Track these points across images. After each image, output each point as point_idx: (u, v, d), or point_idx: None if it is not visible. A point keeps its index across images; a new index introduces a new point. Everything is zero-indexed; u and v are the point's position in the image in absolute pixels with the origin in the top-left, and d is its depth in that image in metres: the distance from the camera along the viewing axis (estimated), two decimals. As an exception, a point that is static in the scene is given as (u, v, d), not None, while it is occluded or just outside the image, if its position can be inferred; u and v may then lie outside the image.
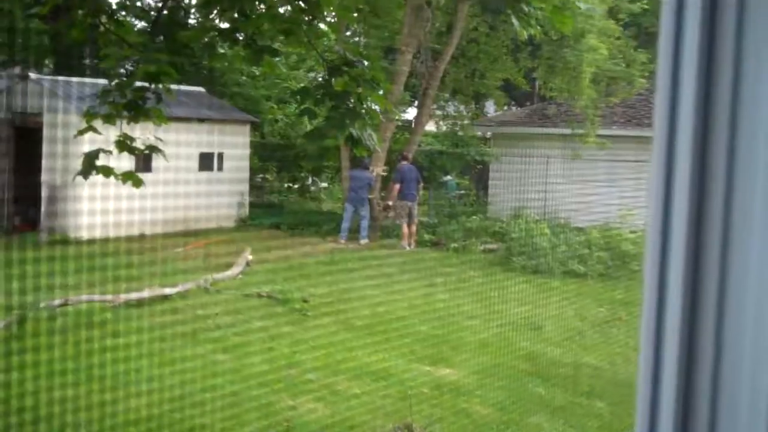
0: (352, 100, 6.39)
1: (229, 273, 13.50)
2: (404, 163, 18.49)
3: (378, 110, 7.03)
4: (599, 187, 19.11)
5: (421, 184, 19.34)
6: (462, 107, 25.12)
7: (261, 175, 24.73)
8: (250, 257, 14.45)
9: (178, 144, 16.83)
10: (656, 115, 0.76)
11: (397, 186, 18.18)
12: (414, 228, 17.98)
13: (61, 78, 18.29)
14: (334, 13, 8.33)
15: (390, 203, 18.63)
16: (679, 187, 0.74)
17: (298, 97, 7.33)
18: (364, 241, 17.89)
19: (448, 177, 24.61)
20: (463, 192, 24.90)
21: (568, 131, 20.39)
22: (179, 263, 13.98)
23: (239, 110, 21.50)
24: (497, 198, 21.73)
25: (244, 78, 24.32)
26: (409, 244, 17.64)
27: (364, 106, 6.49)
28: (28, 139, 16.42)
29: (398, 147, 21.25)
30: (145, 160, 14.86)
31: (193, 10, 7.77)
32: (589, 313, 13.02)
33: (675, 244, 0.75)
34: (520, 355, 10.68)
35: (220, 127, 19.73)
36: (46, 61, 26.09)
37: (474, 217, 19.23)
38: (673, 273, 0.76)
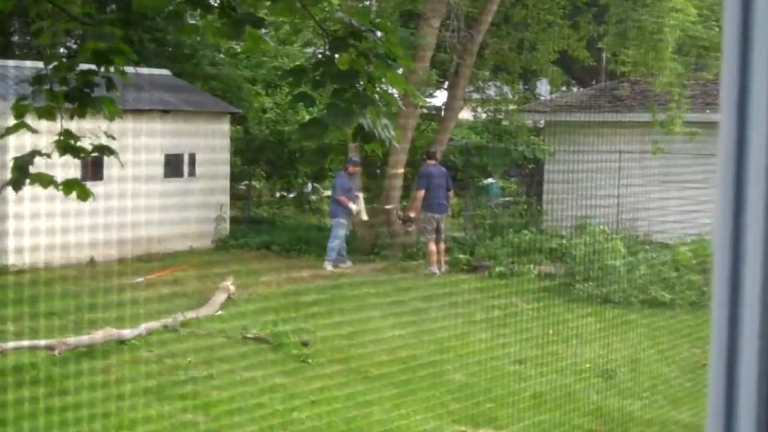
0: (362, 82, 6.43)
1: (205, 309, 13.55)
2: (430, 163, 18.48)
3: (395, 94, 7.07)
4: (689, 191, 19.04)
5: (452, 191, 19.32)
6: (506, 89, 25.14)
7: (245, 182, 24.82)
8: (233, 288, 14.51)
9: (137, 144, 16.94)
10: (723, 99, 0.80)
11: (422, 193, 18.09)
12: (442, 246, 17.93)
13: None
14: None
15: (412, 215, 18.58)
16: (753, 183, 0.78)
17: (291, 78, 7.38)
18: (329, 266, 17.72)
19: (490, 180, 24.62)
20: (509, 199, 24.90)
21: (646, 117, 20.37)
22: (140, 297, 14.05)
23: (216, 98, 21.61)
24: (555, 206, 21.71)
25: (221, 56, 24.46)
26: (439, 268, 17.62)
27: (377, 89, 6.53)
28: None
29: (424, 142, 21.27)
30: (94, 165, 15.03)
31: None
32: (679, 354, 12.99)
33: (749, 251, 0.79)
34: (587, 411, 10.67)
35: (191, 121, 19.83)
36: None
37: (525, 231, 19.22)
38: (748, 287, 0.79)
